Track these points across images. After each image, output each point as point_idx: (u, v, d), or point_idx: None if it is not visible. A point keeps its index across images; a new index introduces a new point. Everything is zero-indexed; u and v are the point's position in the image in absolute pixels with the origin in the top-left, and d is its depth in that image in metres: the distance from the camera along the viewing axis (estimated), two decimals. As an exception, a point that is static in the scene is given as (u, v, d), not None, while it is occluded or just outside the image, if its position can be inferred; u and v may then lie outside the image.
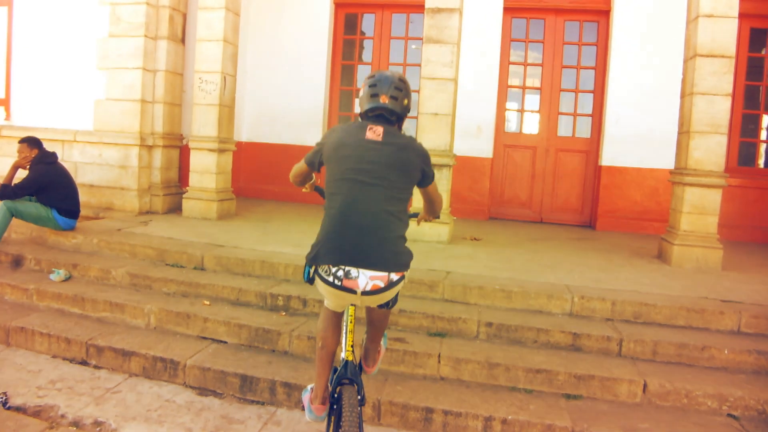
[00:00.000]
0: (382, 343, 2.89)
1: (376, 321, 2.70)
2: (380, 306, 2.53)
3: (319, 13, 8.45)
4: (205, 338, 3.91)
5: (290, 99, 8.59)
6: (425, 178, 2.50)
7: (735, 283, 4.75)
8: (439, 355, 3.48)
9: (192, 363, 3.54)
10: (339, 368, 2.52)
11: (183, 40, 6.88)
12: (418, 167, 2.42)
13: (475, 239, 6.07)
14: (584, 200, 7.99)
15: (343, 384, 2.43)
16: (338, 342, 2.61)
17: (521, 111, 8.24)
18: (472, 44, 7.55)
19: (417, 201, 5.20)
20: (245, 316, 3.98)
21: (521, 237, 6.58)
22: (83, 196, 6.64)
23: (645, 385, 3.28)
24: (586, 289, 4.20)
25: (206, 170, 6.44)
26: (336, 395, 2.47)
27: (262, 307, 4.16)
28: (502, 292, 4.08)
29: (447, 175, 5.66)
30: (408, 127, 8.41)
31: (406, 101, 2.46)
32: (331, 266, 2.32)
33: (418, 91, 6.43)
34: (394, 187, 2.35)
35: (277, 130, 8.70)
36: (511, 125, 8.36)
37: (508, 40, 8.01)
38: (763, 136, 7.91)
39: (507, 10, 7.85)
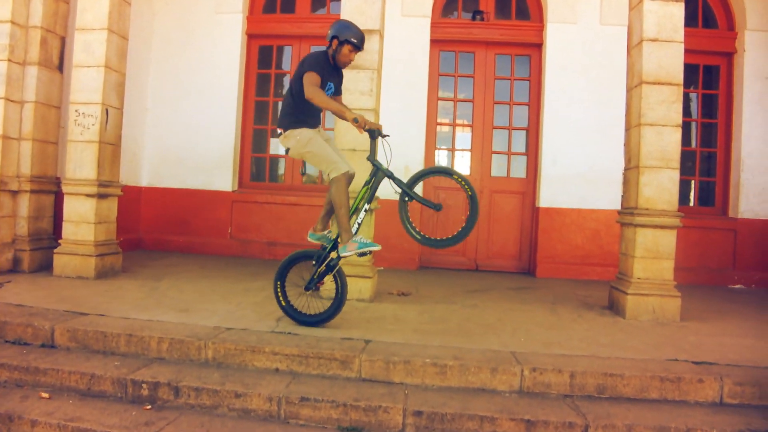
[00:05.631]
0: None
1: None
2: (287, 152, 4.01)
3: (229, 45, 7.62)
4: (31, 450, 2.83)
5: (198, 139, 7.64)
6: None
7: (699, 336, 4.13)
8: (351, 465, 2.56)
9: (-2, 494, 2.47)
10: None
11: (60, 68, 5.85)
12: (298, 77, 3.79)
13: (402, 294, 5.23)
14: (522, 245, 7.36)
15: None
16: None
17: (452, 150, 7.60)
18: (397, 78, 6.92)
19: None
20: (93, 414, 2.94)
21: (456, 289, 5.79)
22: (-74, 254, 5.43)
23: (623, 492, 2.48)
24: (536, 357, 3.42)
25: (83, 219, 5.34)
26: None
27: (121, 399, 3.12)
28: (434, 367, 3.22)
29: (368, 221, 4.84)
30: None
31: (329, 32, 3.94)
32: None
33: (332, 129, 5.70)
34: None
35: (182, 174, 7.68)
36: (442, 165, 7.70)
37: (436, 75, 7.43)
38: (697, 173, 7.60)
39: (434, 42, 7.29)
